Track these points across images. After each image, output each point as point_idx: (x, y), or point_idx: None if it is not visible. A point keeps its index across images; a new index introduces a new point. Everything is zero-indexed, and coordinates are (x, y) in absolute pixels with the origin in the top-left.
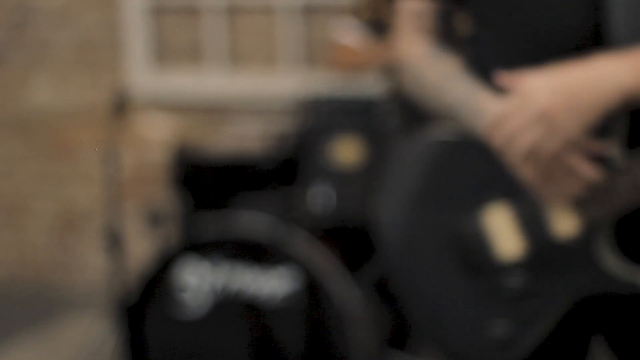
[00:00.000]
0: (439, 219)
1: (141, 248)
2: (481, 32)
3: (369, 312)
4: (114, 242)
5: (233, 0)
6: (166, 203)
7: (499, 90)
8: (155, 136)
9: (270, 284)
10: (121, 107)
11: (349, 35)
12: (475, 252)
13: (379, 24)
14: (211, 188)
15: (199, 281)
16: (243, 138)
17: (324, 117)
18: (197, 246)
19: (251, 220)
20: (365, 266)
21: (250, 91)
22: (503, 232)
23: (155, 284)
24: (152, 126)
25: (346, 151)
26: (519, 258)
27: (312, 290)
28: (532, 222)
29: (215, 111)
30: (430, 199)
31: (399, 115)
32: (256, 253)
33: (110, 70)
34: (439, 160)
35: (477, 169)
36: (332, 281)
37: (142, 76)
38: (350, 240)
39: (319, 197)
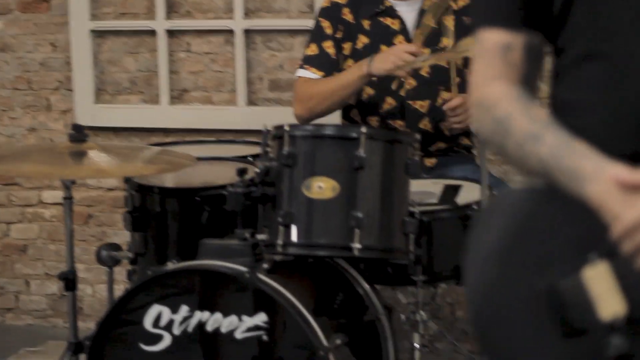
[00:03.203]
0: (530, 275)
1: (97, 286)
2: (576, 70)
3: (334, 346)
4: (69, 282)
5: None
6: (123, 239)
7: (597, 146)
8: (110, 169)
9: (233, 317)
10: (79, 138)
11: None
12: (575, 310)
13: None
14: (170, 223)
15: (158, 316)
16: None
17: (293, 148)
18: (156, 281)
19: (215, 252)
20: (335, 298)
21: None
22: (605, 292)
23: (114, 322)
24: (106, 159)
25: (318, 182)
26: (622, 318)
27: (278, 324)
28: (635, 282)
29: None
30: (520, 252)
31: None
32: (219, 286)
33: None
34: (529, 212)
35: (573, 224)
36: (296, 313)
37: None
38: (321, 272)
39: (288, 228)
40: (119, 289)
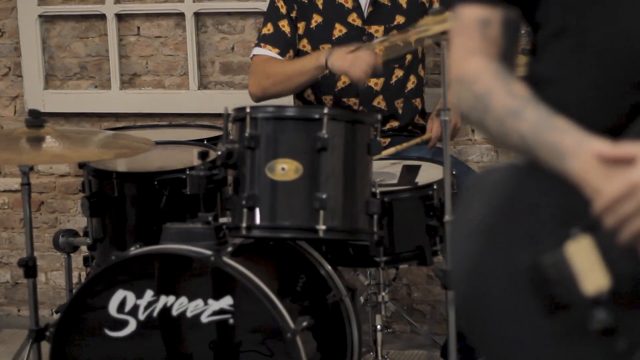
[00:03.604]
0: (514, 251)
1: (50, 273)
2: (552, 46)
3: (301, 328)
4: (29, 268)
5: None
6: (75, 225)
7: (575, 120)
8: (70, 155)
9: (198, 301)
10: (36, 124)
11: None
12: (559, 285)
13: (287, 39)
14: (130, 208)
15: (122, 301)
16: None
17: (255, 130)
18: (120, 266)
19: (178, 236)
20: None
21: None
22: (588, 266)
23: (78, 308)
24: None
25: (281, 164)
26: (606, 292)
27: (244, 307)
28: (618, 256)
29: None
30: (503, 230)
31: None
32: (184, 270)
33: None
34: (510, 189)
35: (555, 199)
36: (263, 296)
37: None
38: (283, 255)
39: (252, 211)
40: (74, 276)
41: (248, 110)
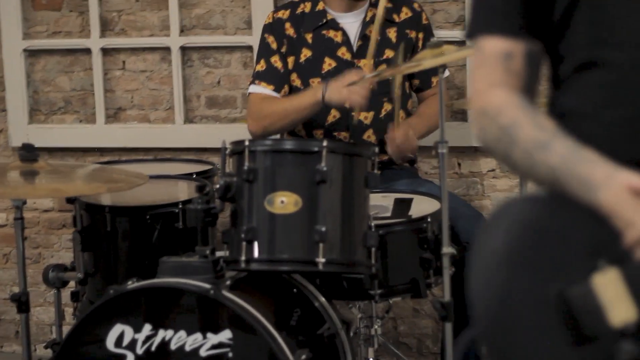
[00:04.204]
0: (541, 282)
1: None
2: (578, 79)
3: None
4: (22, 303)
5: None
6: (59, 261)
7: (603, 153)
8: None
9: (197, 334)
10: (30, 157)
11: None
12: (586, 317)
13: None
14: (122, 242)
15: (120, 335)
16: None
17: (254, 163)
18: (118, 300)
19: (174, 270)
20: (293, 313)
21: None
22: (615, 298)
23: (75, 343)
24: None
25: (280, 197)
26: (633, 324)
27: (243, 341)
28: None
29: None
30: (531, 260)
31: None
32: (183, 303)
33: None
34: (538, 219)
35: (583, 231)
36: (263, 330)
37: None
38: (278, 288)
39: (251, 244)
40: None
41: (246, 143)
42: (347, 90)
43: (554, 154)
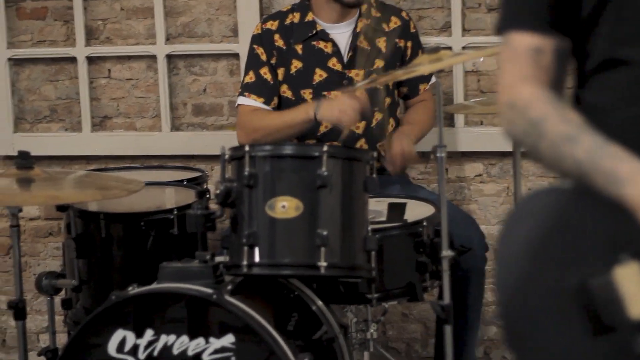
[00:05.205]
0: (562, 273)
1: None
2: (605, 76)
3: None
4: (19, 310)
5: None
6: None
7: (630, 149)
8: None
9: (200, 339)
10: (26, 165)
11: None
12: (605, 308)
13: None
14: (117, 249)
15: (122, 341)
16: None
17: (254, 168)
18: (118, 306)
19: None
20: (291, 317)
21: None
22: (635, 291)
23: (77, 349)
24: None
25: (281, 201)
26: None
27: (245, 345)
28: None
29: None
30: (553, 251)
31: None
32: (185, 308)
33: None
34: (561, 211)
35: (606, 224)
36: (266, 334)
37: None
38: (277, 291)
39: (252, 249)
40: (44, 320)
41: (247, 148)
42: (339, 110)
43: (580, 148)
